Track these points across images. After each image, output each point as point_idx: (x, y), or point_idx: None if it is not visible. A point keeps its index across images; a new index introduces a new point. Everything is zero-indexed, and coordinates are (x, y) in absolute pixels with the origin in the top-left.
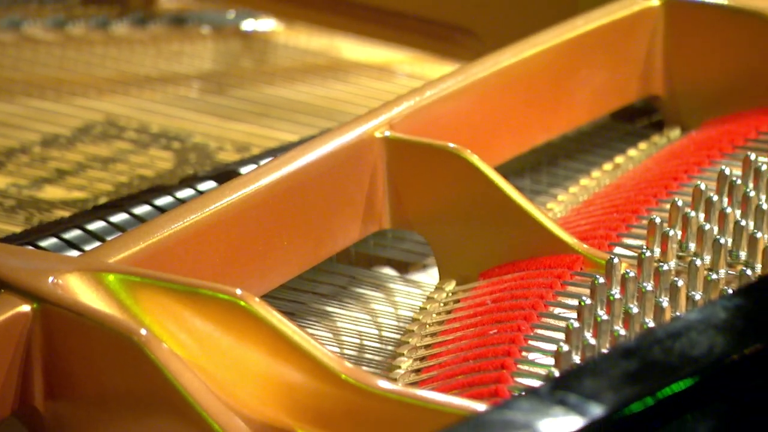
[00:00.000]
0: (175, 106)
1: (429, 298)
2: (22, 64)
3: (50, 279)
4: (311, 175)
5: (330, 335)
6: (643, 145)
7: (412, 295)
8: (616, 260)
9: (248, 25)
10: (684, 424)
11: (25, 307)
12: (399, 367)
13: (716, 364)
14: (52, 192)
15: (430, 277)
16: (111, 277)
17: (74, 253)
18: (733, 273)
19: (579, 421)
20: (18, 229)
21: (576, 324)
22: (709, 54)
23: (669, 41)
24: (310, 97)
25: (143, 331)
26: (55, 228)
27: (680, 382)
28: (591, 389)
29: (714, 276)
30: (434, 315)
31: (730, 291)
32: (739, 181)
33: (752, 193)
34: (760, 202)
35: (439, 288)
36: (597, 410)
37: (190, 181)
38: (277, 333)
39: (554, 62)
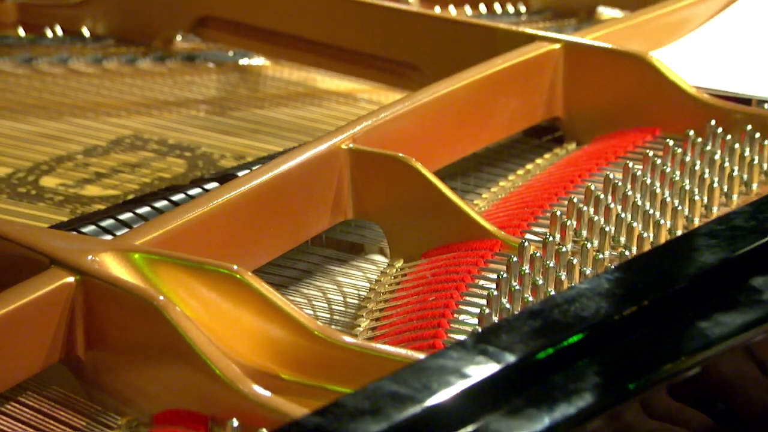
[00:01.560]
0: (187, 124)
1: (382, 273)
2: (68, 91)
3: (89, 257)
4: (292, 177)
5: (305, 301)
6: (547, 155)
7: (370, 271)
8: (526, 244)
9: (244, 61)
10: (576, 369)
11: (70, 279)
12: (359, 326)
13: (601, 322)
14: (91, 190)
15: (383, 256)
16: (136, 256)
17: (108, 237)
18: (615, 254)
19: (496, 367)
20: (65, 219)
21: (495, 293)
22: (599, 85)
23: (567, 75)
24: (292, 117)
25: (161, 297)
26: (94, 218)
27: (574, 337)
28: (505, 342)
29: (600, 256)
30: (386, 286)
31: (612, 267)
32: (620, 183)
33: (630, 192)
34: (636, 200)
35: (390, 265)
36: (510, 358)
37: (198, 182)
38: (265, 299)
39: (479, 91)
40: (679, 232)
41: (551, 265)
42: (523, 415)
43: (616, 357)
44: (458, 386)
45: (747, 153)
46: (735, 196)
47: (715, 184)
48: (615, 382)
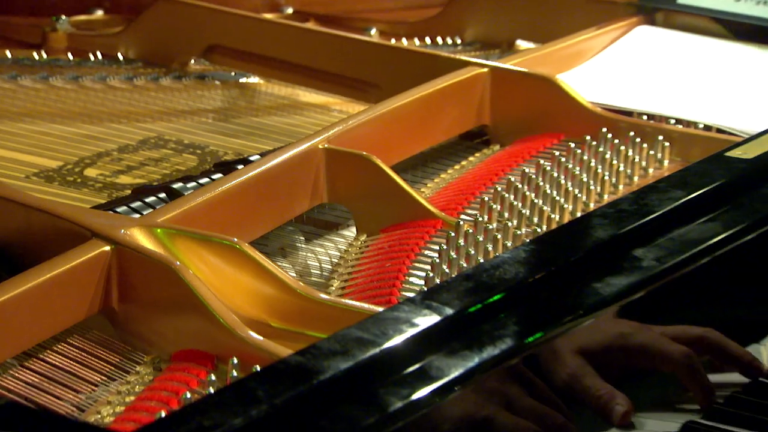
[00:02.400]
0: (198, 129)
1: (350, 245)
2: (106, 102)
3: (122, 231)
4: (280, 169)
5: (290, 266)
6: (477, 154)
7: (340, 243)
8: (461, 223)
9: (243, 80)
10: (499, 320)
11: (107, 248)
12: (332, 286)
13: (519, 284)
14: (123, 179)
15: (351, 232)
16: (158, 230)
17: (136, 215)
18: (530, 230)
19: (437, 318)
20: (103, 201)
21: (437, 260)
22: (517, 100)
23: (493, 92)
24: (279, 123)
25: (177, 263)
26: (125, 200)
27: (497, 295)
28: (445, 299)
29: (518, 232)
30: (353, 255)
31: (527, 241)
32: (533, 176)
33: (541, 183)
34: (545, 189)
35: (356, 239)
36: (449, 311)
37: (206, 173)
38: (259, 264)
39: (426, 104)
40: (579, 214)
41: (480, 239)
42: (459, 356)
43: (530, 311)
44: (408, 333)
45: (630, 153)
46: (621, 186)
47: (606, 177)
48: (529, 330)
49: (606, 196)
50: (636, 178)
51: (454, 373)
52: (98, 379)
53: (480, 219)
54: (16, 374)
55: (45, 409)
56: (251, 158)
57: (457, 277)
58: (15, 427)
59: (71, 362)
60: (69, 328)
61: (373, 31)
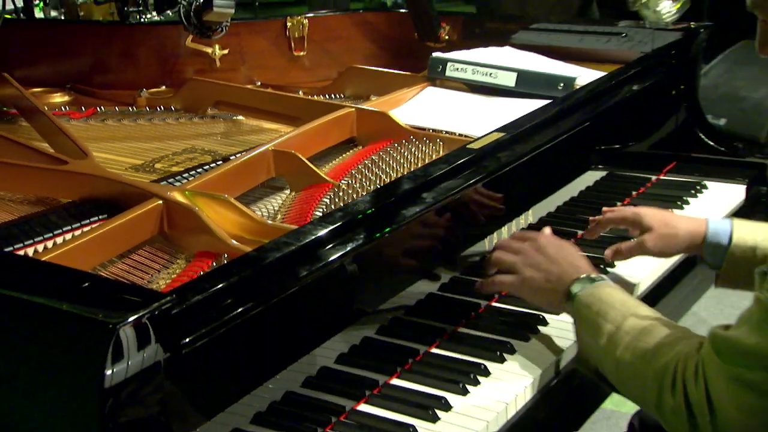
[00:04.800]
0: (209, 143)
1: (286, 198)
2: (165, 131)
3: (168, 193)
4: (251, 160)
5: (256, 208)
6: (350, 151)
7: (282, 197)
8: (341, 184)
9: (233, 117)
10: (357, 230)
11: (160, 202)
12: (276, 218)
13: (371, 210)
14: (171, 168)
15: (287, 191)
16: (187, 192)
17: (177, 184)
18: (375, 187)
19: (325, 230)
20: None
21: (330, 204)
22: (369, 123)
23: (358, 119)
24: (252, 138)
25: (196, 208)
26: (170, 177)
27: (360, 215)
28: (329, 220)
29: (370, 188)
30: (288, 202)
31: (373, 190)
32: (376, 159)
33: (381, 164)
34: (383, 166)
35: (289, 195)
36: (330, 226)
37: (213, 162)
38: (238, 208)
39: (325, 126)
40: (398, 176)
41: (350, 192)
42: (338, 248)
43: (375, 222)
44: (309, 238)
45: (423, 148)
46: (419, 164)
47: (411, 159)
48: (377, 230)
49: (412, 168)
50: (426, 160)
51: (335, 255)
52: (158, 267)
53: (350, 182)
54: (117, 266)
55: (132, 283)
56: (237, 155)
57: (335, 210)
58: (118, 290)
59: (144, 259)
60: (144, 241)
61: (300, 92)
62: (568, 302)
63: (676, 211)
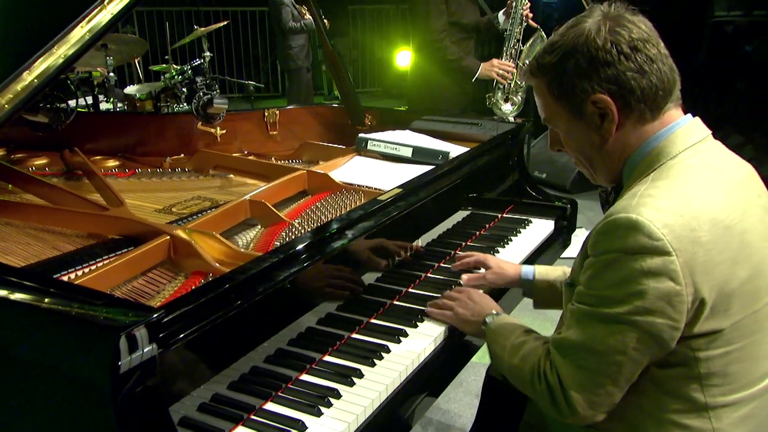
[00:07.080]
0: (211, 192)
1: (257, 232)
2: (181, 184)
3: (174, 231)
4: (233, 206)
5: (237, 239)
6: (302, 200)
7: (254, 231)
8: (294, 224)
9: (227, 175)
10: (322, 247)
11: (168, 237)
12: (249, 248)
13: (327, 234)
14: (183, 211)
15: (258, 226)
16: (187, 230)
17: (181, 224)
18: (317, 224)
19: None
20: (172, 219)
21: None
22: (316, 181)
23: (308, 178)
24: (238, 190)
25: (192, 241)
26: (180, 220)
27: (329, 233)
28: (296, 243)
29: (314, 225)
30: (257, 235)
31: (311, 231)
32: (324, 205)
33: (326, 207)
34: (324, 208)
35: (259, 230)
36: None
37: (210, 208)
38: (222, 241)
39: (286, 183)
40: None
41: (302, 230)
42: (294, 263)
43: (312, 253)
44: (269, 262)
45: (351, 198)
46: (349, 209)
47: (348, 204)
48: (325, 249)
49: (344, 212)
50: (352, 206)
51: (293, 269)
52: (165, 282)
53: (301, 222)
54: (138, 281)
55: (137, 301)
56: (226, 203)
57: (286, 243)
58: (127, 306)
59: (157, 276)
60: (156, 263)
61: (272, 159)
62: (485, 327)
63: (512, 239)
